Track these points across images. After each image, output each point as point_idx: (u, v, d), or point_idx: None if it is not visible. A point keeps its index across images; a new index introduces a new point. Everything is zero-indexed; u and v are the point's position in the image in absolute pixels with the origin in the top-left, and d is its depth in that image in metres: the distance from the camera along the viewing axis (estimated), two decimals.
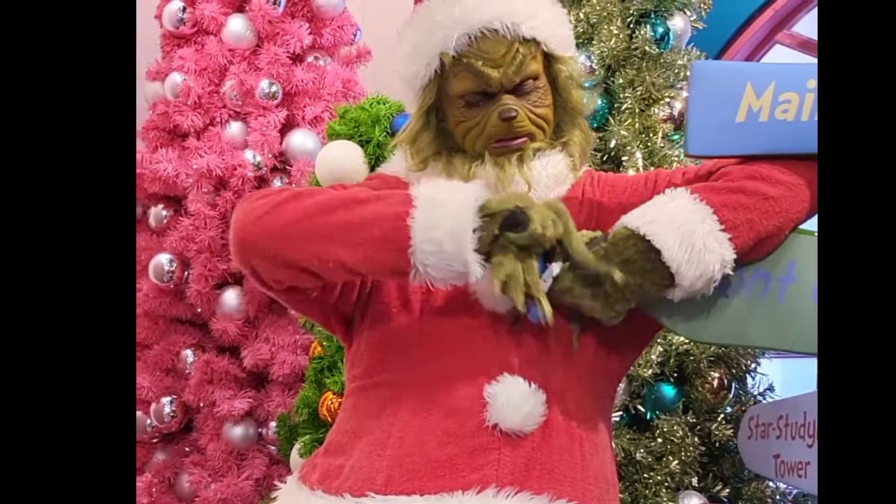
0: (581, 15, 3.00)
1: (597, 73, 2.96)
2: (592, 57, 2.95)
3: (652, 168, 2.83)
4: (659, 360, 2.81)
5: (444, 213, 1.66)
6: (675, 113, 2.93)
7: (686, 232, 1.71)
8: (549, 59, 1.88)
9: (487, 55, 1.82)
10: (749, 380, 2.95)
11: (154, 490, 3.87)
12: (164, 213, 3.76)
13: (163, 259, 3.70)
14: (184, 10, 3.64)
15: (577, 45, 2.98)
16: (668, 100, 2.94)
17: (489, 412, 1.73)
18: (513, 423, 1.73)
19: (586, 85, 2.97)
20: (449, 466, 1.73)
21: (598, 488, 1.80)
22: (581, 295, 1.71)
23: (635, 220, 1.73)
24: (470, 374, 1.77)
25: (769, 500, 2.82)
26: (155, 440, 3.99)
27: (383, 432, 1.78)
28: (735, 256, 1.73)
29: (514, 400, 1.73)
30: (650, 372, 2.80)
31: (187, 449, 3.99)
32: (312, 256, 1.68)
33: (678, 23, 3.02)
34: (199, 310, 3.86)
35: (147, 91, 3.76)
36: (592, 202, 1.91)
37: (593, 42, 2.98)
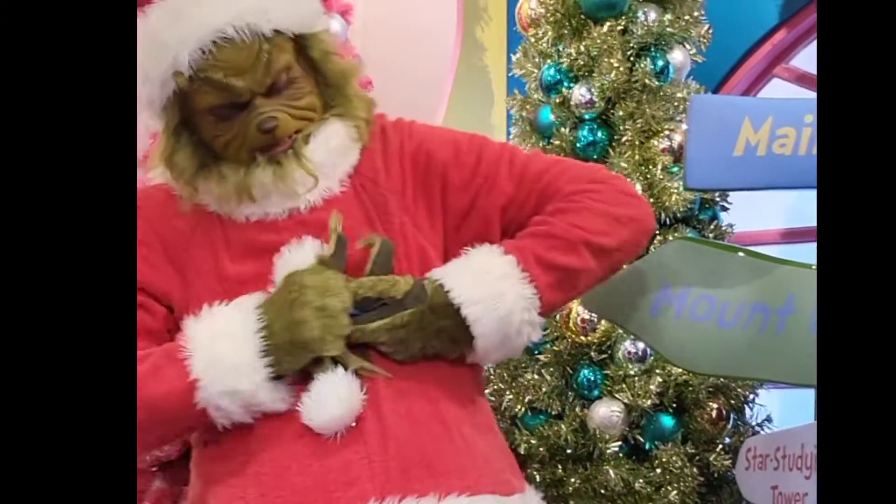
0: (582, 48, 3.01)
1: (597, 105, 2.97)
2: (593, 89, 2.97)
3: (651, 200, 2.85)
4: (658, 390, 2.82)
5: (226, 371, 1.60)
6: (675, 145, 2.94)
7: (507, 322, 1.65)
8: (297, 42, 1.73)
9: (228, 65, 1.65)
10: (748, 410, 2.95)
11: None
12: None
13: None
14: None
15: (578, 78, 3.02)
16: (667, 132, 2.95)
17: (303, 413, 1.61)
18: (324, 418, 1.60)
19: (585, 117, 2.99)
20: (320, 490, 1.59)
21: (494, 468, 1.68)
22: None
23: (459, 291, 1.66)
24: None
25: None
26: (154, 468, 3.97)
27: (238, 477, 1.65)
28: (540, 335, 1.73)
29: (323, 391, 1.60)
30: (649, 402, 2.81)
31: (186, 477, 3.97)
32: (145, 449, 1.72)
33: (678, 56, 3.03)
34: None
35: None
36: (418, 153, 1.80)
37: (594, 74, 2.99)
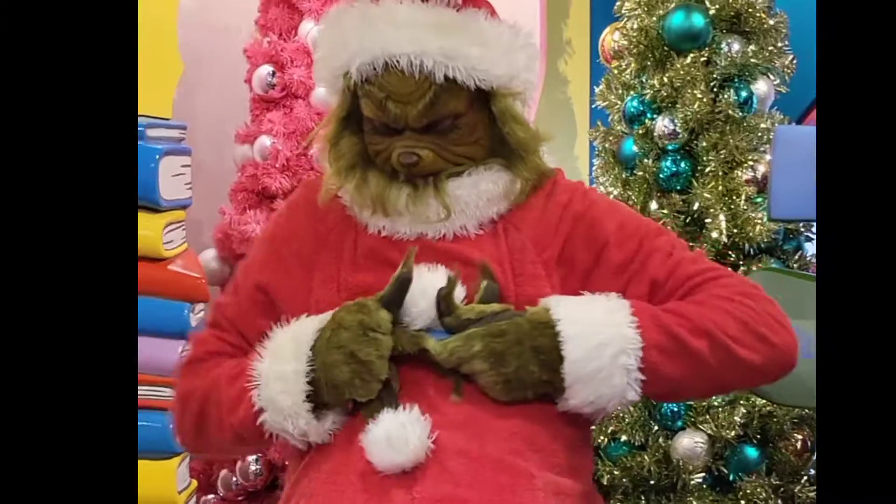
0: (665, 79, 3.02)
1: (680, 136, 2.97)
2: (676, 120, 2.97)
3: (735, 230, 2.84)
4: (742, 421, 2.80)
5: (278, 412, 1.62)
6: (759, 176, 2.92)
7: (600, 354, 1.56)
8: (482, 92, 1.66)
9: (392, 89, 1.62)
10: None
11: None
12: None
13: None
14: (273, 74, 3.69)
15: (661, 109, 3.02)
16: (751, 163, 2.94)
17: (367, 455, 1.54)
18: (375, 458, 1.53)
19: (669, 148, 2.99)
20: None
21: None
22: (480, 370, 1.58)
23: (561, 311, 1.59)
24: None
25: None
26: (240, 498, 4.01)
27: (296, 497, 1.64)
28: (637, 399, 1.61)
29: (376, 432, 1.54)
30: (733, 433, 2.79)
31: None
32: (221, 453, 1.73)
33: (761, 87, 3.02)
34: None
35: (236, 154, 3.82)
36: (583, 217, 1.72)
37: (677, 106, 2.99)
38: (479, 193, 1.69)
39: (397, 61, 1.60)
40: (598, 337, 1.57)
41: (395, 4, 1.65)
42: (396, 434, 1.53)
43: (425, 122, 1.64)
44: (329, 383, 1.59)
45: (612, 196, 3.13)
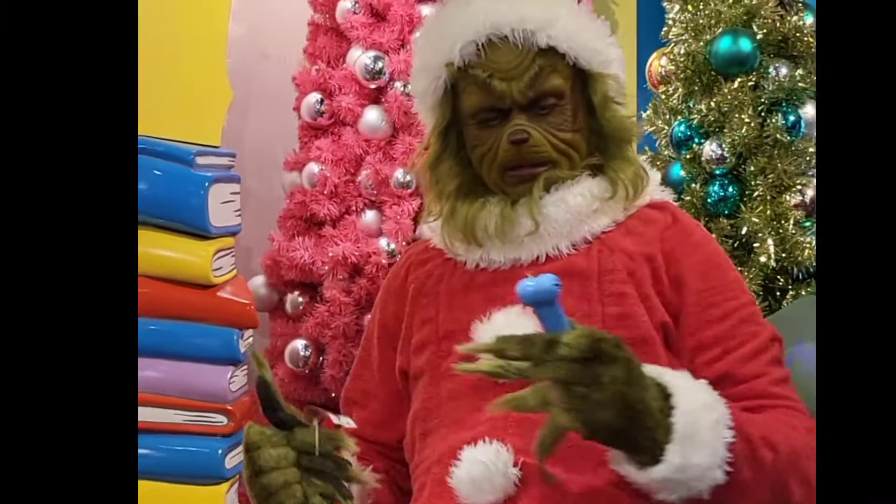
0: (712, 104, 3.01)
1: (728, 160, 2.96)
2: (724, 145, 2.96)
3: (783, 255, 2.83)
4: None
5: None
6: (807, 200, 2.91)
7: (705, 416, 1.37)
8: (581, 77, 1.66)
9: (496, 66, 1.62)
10: None
11: None
12: (300, 299, 3.81)
13: (298, 345, 3.74)
14: (321, 102, 3.71)
15: (709, 133, 3.01)
16: (799, 187, 2.93)
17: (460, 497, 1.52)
18: (463, 492, 1.52)
19: (716, 172, 2.98)
20: None
21: None
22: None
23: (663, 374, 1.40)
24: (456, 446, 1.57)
25: None
26: None
27: None
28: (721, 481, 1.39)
29: (473, 474, 1.51)
30: None
31: None
32: None
33: (809, 111, 3.01)
34: (333, 394, 3.89)
35: (285, 181, 3.84)
36: (671, 261, 1.65)
37: (724, 130, 2.99)
38: (568, 209, 1.65)
39: (500, 33, 1.61)
40: (704, 397, 1.41)
41: None
42: (480, 475, 1.51)
43: (531, 96, 1.63)
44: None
45: None
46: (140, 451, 3.26)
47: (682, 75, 3.12)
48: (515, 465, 1.52)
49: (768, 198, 2.94)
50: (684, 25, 3.13)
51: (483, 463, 1.51)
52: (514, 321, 1.57)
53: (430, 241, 1.79)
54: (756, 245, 2.90)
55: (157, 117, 3.35)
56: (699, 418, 1.36)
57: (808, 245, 2.84)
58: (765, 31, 3.02)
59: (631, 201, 1.71)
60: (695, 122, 3.06)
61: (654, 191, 1.79)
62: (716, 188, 2.99)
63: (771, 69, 3.01)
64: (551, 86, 1.63)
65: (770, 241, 2.86)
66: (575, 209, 1.65)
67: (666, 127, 3.17)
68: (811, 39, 3.03)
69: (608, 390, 1.27)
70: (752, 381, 1.59)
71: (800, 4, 3.10)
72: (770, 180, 2.94)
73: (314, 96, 3.73)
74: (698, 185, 3.02)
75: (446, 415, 1.63)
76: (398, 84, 3.61)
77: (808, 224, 2.90)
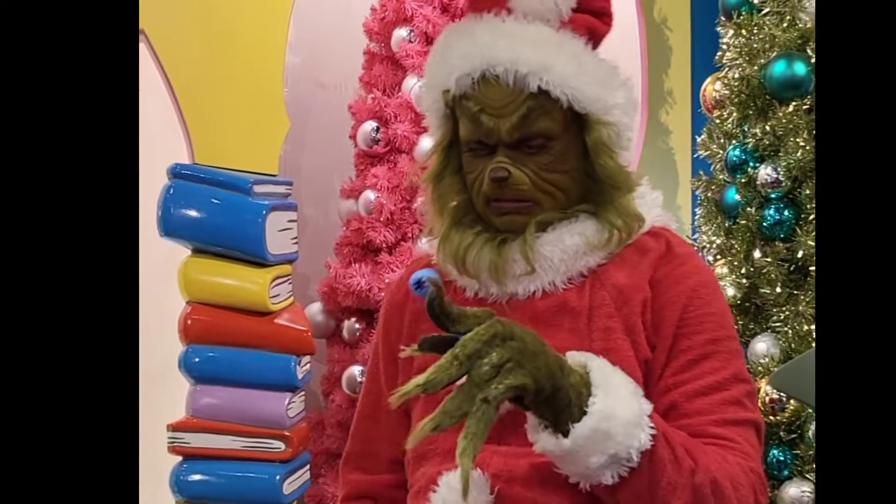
0: (767, 127, 3.00)
1: (783, 184, 2.95)
2: (779, 168, 2.95)
3: None
4: None
5: None
6: None
7: (622, 407, 1.38)
8: (578, 119, 1.64)
9: (487, 102, 1.61)
10: None
11: None
12: (357, 325, 3.83)
13: (355, 371, 3.76)
14: (377, 129, 3.74)
15: (764, 157, 3.00)
16: None
17: None
18: None
19: (772, 196, 2.97)
20: None
21: None
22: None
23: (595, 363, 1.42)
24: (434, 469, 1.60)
25: None
26: None
27: None
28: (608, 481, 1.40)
29: (448, 500, 1.53)
30: None
31: None
32: None
33: None
34: None
35: (341, 208, 3.87)
36: (660, 285, 1.64)
37: (780, 154, 2.98)
38: (564, 248, 1.64)
39: (493, 71, 1.61)
40: (624, 389, 1.41)
41: (497, 20, 1.67)
42: (454, 501, 1.52)
43: (517, 137, 1.62)
44: None
45: (714, 245, 3.13)
46: (198, 476, 3.30)
47: (736, 99, 3.12)
48: (492, 492, 1.53)
49: None
50: (738, 50, 3.13)
51: (457, 489, 1.51)
52: None
53: (432, 259, 1.78)
54: (812, 269, 2.88)
55: (215, 147, 3.39)
56: (620, 391, 1.39)
57: None
58: None
59: (625, 241, 1.69)
60: (750, 146, 3.06)
61: (655, 218, 1.77)
62: (771, 212, 2.98)
63: None
64: (539, 128, 1.62)
65: None
66: (571, 248, 1.64)
67: (721, 151, 3.17)
68: None
69: (517, 345, 1.29)
70: (694, 417, 1.56)
71: None
72: None
73: (370, 124, 3.76)
74: (753, 209, 3.01)
75: (440, 442, 1.63)
76: None
77: None
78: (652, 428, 1.41)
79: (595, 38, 1.72)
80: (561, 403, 1.36)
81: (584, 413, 1.37)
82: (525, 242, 1.62)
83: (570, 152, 1.65)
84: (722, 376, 1.59)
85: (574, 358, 1.43)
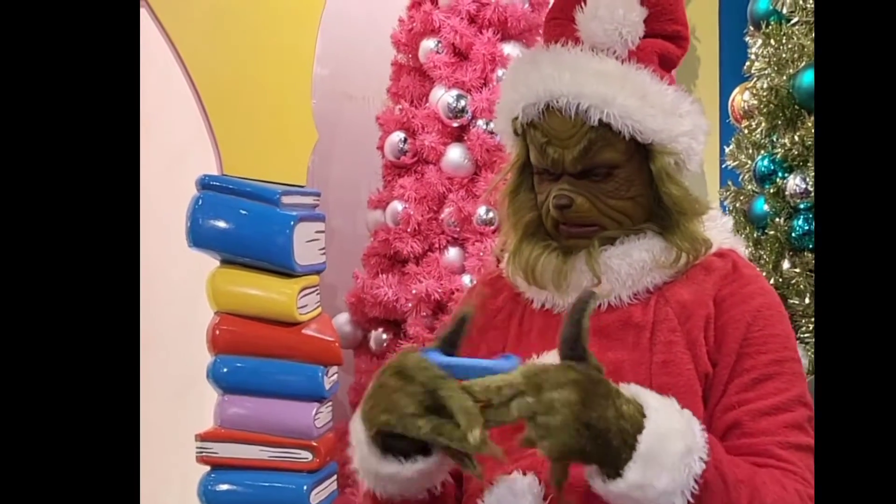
0: (796, 137, 2.99)
1: (812, 194, 2.94)
2: (808, 179, 2.94)
3: None
4: None
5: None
6: None
7: (673, 445, 1.38)
8: (643, 148, 1.64)
9: (553, 133, 1.63)
10: None
11: None
12: (385, 336, 3.83)
13: None
14: (405, 140, 3.74)
15: (792, 168, 2.99)
16: None
17: None
18: None
19: (800, 206, 2.96)
20: None
21: None
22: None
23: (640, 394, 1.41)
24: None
25: None
26: None
27: None
28: None
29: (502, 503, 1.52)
30: None
31: None
32: None
33: None
34: None
35: (369, 219, 3.88)
36: (723, 304, 1.63)
37: (808, 164, 2.97)
38: (631, 263, 1.64)
39: (556, 103, 1.62)
40: (675, 423, 1.41)
41: (563, 50, 1.68)
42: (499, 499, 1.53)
43: (580, 168, 1.63)
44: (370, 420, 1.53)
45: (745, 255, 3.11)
46: (226, 486, 3.30)
47: (765, 109, 3.11)
48: (545, 498, 1.53)
49: None
50: (767, 60, 3.12)
51: (514, 493, 1.52)
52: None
53: (503, 271, 1.80)
54: None
55: (244, 158, 3.40)
56: (666, 442, 1.38)
57: None
58: None
59: (692, 263, 1.69)
60: (778, 156, 3.05)
61: (723, 241, 1.77)
62: (800, 222, 2.97)
63: None
64: (602, 159, 1.63)
65: None
66: (638, 263, 1.65)
67: (749, 161, 3.16)
68: None
69: (561, 414, 1.32)
70: (759, 437, 1.55)
71: None
72: None
73: (397, 135, 3.76)
74: (782, 220, 3.01)
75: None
76: (480, 122, 3.63)
77: None
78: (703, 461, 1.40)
79: (667, 63, 1.73)
80: (599, 462, 1.38)
81: (620, 475, 1.37)
82: (590, 255, 1.64)
83: (635, 179, 1.65)
84: (786, 397, 1.58)
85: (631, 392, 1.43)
